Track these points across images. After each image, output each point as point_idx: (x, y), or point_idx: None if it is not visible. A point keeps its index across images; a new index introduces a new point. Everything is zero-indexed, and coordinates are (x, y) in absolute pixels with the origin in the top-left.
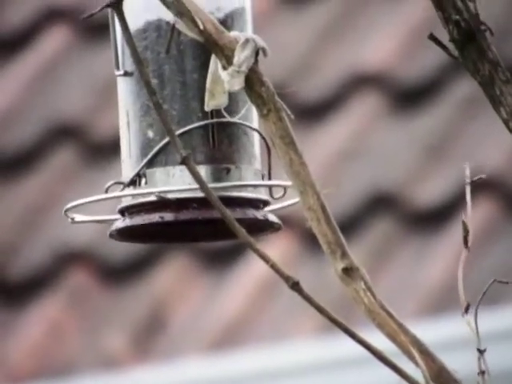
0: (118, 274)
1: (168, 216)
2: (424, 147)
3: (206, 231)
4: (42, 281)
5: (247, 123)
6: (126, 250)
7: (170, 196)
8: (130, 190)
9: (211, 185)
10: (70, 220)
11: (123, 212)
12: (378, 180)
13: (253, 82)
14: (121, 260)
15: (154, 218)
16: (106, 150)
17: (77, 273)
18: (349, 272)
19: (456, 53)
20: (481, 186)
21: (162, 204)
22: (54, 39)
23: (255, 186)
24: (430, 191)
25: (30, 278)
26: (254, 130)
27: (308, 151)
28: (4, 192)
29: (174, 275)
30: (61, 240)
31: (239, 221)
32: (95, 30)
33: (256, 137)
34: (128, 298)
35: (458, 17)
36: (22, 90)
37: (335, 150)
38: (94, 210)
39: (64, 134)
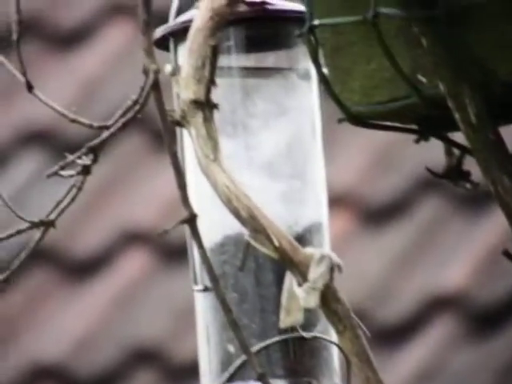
0: None
1: None
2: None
3: None
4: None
5: (326, 337)
6: None
7: None
8: None
9: None
10: None
11: None
12: None
13: (328, 298)
14: None
15: None
16: (185, 374)
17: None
18: None
19: None
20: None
21: None
22: (131, 262)
23: None
24: None
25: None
26: (334, 344)
27: (385, 372)
28: None
29: None
30: None
31: None
32: (173, 252)
33: (335, 350)
34: None
35: None
36: (100, 313)
37: (412, 371)
38: None
39: (143, 358)
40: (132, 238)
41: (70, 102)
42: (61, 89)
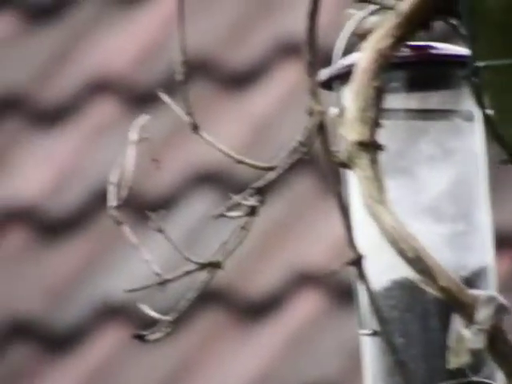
0: None
1: None
2: None
3: None
4: None
5: (493, 383)
6: None
7: None
8: None
9: None
10: None
11: None
12: None
13: (496, 341)
14: None
15: None
16: None
17: None
18: None
19: None
20: None
21: None
22: (304, 304)
23: None
24: None
25: None
26: None
27: None
28: None
29: None
30: None
31: None
32: (344, 294)
33: None
34: None
35: None
36: (272, 355)
37: None
38: None
39: None
40: (304, 280)
41: (240, 143)
42: (231, 130)
